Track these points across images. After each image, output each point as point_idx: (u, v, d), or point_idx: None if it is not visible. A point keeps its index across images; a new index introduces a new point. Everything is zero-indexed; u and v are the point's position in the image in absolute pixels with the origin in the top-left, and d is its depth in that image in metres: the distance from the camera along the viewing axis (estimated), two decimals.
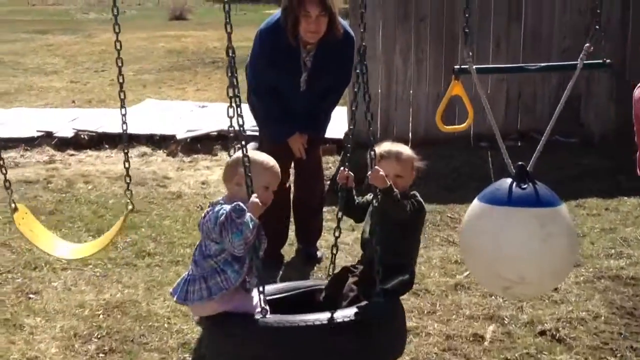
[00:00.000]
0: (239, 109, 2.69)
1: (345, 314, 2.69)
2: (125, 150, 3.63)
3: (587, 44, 3.05)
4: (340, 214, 3.15)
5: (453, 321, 3.79)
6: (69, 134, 7.59)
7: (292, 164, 4.47)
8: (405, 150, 3.16)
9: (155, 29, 23.07)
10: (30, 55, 15.79)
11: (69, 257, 3.75)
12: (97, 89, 11.64)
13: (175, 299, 2.71)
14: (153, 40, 19.21)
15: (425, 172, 6.39)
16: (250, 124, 4.44)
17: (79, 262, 4.39)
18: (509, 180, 2.82)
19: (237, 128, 2.68)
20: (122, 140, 3.69)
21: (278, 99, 4.17)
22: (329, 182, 3.46)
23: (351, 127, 3.13)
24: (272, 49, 4.04)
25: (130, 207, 3.59)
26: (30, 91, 11.34)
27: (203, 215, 2.69)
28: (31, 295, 4.06)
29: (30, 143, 7.38)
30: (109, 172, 6.59)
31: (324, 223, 4.64)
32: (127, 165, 3.58)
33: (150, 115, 8.79)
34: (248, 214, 2.53)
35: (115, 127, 7.81)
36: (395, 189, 2.86)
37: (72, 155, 7.13)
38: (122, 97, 3.48)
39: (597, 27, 3.14)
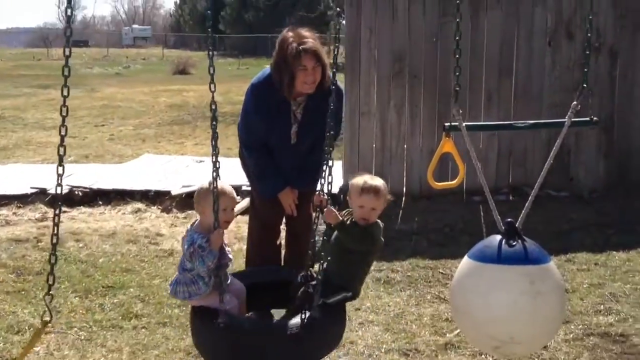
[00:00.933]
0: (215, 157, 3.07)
1: (283, 323, 3.19)
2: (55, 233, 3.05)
3: (575, 102, 3.10)
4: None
5: None
6: (63, 190, 7.59)
7: (284, 221, 4.47)
8: (383, 186, 3.33)
9: (158, 83, 23.46)
10: (31, 110, 16.00)
11: None
12: (96, 144, 11.74)
13: (169, 291, 3.36)
14: (155, 95, 19.50)
15: (418, 227, 6.50)
16: (243, 180, 4.51)
17: (64, 325, 4.35)
18: (499, 237, 2.84)
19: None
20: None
21: (269, 154, 4.19)
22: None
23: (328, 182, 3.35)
24: (264, 103, 4.08)
25: (47, 318, 2.96)
26: (29, 146, 11.43)
27: (184, 236, 3.29)
28: None
29: (23, 200, 7.35)
30: (101, 229, 6.56)
31: None
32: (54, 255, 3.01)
33: (147, 170, 8.85)
34: (208, 248, 3.12)
35: (109, 184, 7.90)
36: (346, 225, 3.22)
37: (64, 212, 7.13)
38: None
39: (584, 85, 3.17)
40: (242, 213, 6.40)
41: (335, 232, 3.25)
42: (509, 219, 2.83)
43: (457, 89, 3.02)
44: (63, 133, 2.96)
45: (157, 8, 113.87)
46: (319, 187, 3.36)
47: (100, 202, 7.47)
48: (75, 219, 6.95)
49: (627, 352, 4.03)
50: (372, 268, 3.57)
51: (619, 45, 7.50)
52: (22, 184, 7.81)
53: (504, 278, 2.73)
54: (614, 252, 5.75)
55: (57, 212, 3.07)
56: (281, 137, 4.13)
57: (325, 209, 3.27)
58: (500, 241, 2.80)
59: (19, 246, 6.01)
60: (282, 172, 4.20)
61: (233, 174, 5.29)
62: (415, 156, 7.59)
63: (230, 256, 3.30)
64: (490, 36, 7.52)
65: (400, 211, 7.01)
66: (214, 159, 3.05)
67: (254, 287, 3.53)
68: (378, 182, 3.32)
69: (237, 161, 4.57)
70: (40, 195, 7.45)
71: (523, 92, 7.57)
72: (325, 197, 3.34)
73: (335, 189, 4.52)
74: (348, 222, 3.26)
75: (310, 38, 3.92)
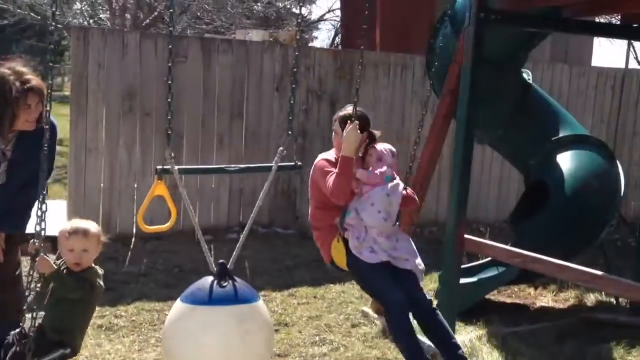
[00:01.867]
0: None
1: None
2: None
3: (281, 148, 3.31)
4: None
5: None
6: None
7: None
8: (93, 226, 3.25)
9: None
10: None
11: None
12: None
13: None
14: None
15: (146, 268, 6.39)
16: None
17: None
18: (211, 278, 2.90)
19: None
20: None
21: None
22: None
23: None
24: None
25: None
26: None
27: None
28: None
29: None
30: None
31: None
32: None
33: None
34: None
35: None
36: (61, 273, 3.07)
37: None
38: None
39: (289, 132, 3.42)
40: None
41: (50, 283, 3.09)
42: (221, 260, 2.93)
43: (169, 132, 3.09)
44: None
45: None
46: (32, 230, 3.17)
47: None
48: None
49: None
50: (93, 316, 3.42)
51: (338, 93, 8.16)
52: None
53: (214, 319, 2.80)
54: (331, 285, 6.17)
55: None
56: None
57: (37, 259, 3.03)
58: (212, 282, 2.87)
59: None
60: None
61: None
62: (146, 196, 7.47)
63: None
64: (222, 78, 7.74)
65: (129, 253, 6.85)
66: None
67: None
68: (88, 223, 3.25)
69: None
70: None
71: (253, 134, 7.89)
72: (41, 244, 3.09)
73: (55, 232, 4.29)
74: (63, 270, 3.13)
75: (30, 75, 3.72)
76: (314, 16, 28.77)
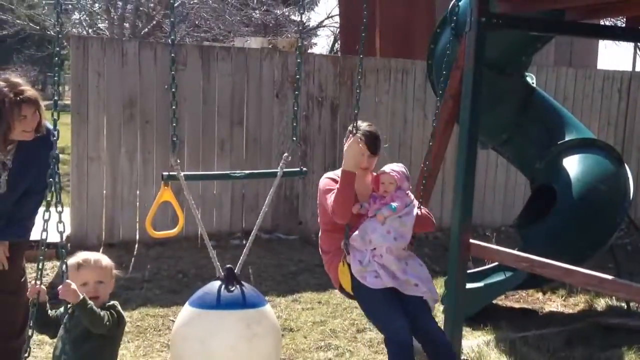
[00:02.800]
0: None
1: None
2: None
3: (286, 154, 3.27)
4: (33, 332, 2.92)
5: None
6: None
7: None
8: (104, 257, 3.12)
9: None
10: None
11: None
12: None
13: None
14: None
15: (150, 274, 6.37)
16: None
17: None
18: (218, 283, 2.88)
19: None
20: None
21: None
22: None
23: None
24: None
25: None
26: None
27: None
28: None
29: None
30: None
31: None
32: None
33: None
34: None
35: None
36: (89, 301, 2.76)
37: None
38: None
39: (294, 138, 3.38)
40: None
41: (75, 315, 2.74)
42: (228, 265, 2.91)
43: (175, 139, 3.04)
44: None
45: None
46: (36, 237, 3.11)
47: None
48: None
49: None
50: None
51: (339, 99, 8.15)
52: None
53: (222, 323, 2.78)
54: (336, 291, 6.03)
55: None
56: None
57: (61, 286, 2.65)
58: (220, 287, 2.85)
59: None
60: None
61: None
62: (148, 203, 7.44)
63: None
64: (221, 86, 7.72)
65: (133, 259, 6.85)
66: None
67: None
68: (98, 255, 3.10)
69: None
70: None
71: (254, 140, 7.87)
72: (43, 287, 2.83)
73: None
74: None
75: (25, 85, 3.72)
76: (313, 23, 28.88)
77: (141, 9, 15.90)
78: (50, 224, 2.80)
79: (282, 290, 6.09)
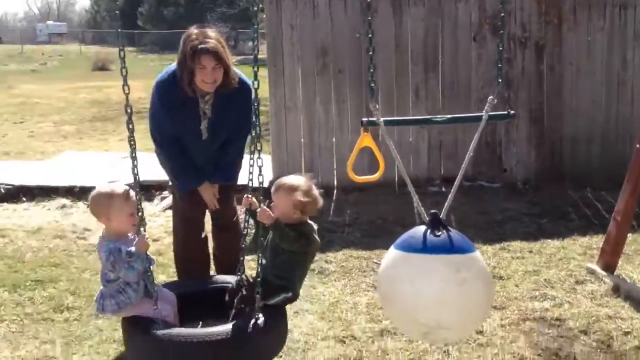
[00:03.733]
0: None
1: (222, 329, 3.04)
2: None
3: (491, 97, 3.12)
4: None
5: None
6: None
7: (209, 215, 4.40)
8: (299, 182, 3.28)
9: (77, 79, 22.71)
10: None
11: None
12: (16, 141, 11.30)
13: (96, 309, 3.25)
14: (74, 91, 18.88)
15: (350, 219, 6.52)
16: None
17: None
18: (423, 227, 2.83)
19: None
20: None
21: (182, 149, 4.11)
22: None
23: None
24: (169, 99, 4.00)
25: None
26: None
27: (98, 247, 3.21)
28: None
29: None
30: (26, 225, 6.35)
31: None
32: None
33: (70, 167, 8.57)
34: (136, 253, 3.04)
35: (33, 180, 7.61)
36: (281, 225, 3.12)
37: None
38: None
39: (499, 80, 3.22)
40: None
41: (271, 233, 3.19)
42: (433, 210, 2.83)
43: (372, 85, 3.04)
44: None
45: (72, 4, 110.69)
46: (246, 182, 3.30)
47: (24, 199, 7.24)
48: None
49: (563, 336, 4.10)
50: (310, 267, 3.47)
51: (545, 39, 7.71)
52: None
53: (430, 267, 2.72)
54: (549, 240, 5.88)
55: None
56: (190, 133, 4.07)
57: (258, 209, 3.16)
58: (425, 231, 2.80)
59: None
60: (199, 166, 4.15)
61: (156, 169, 5.16)
62: (344, 150, 7.58)
63: (152, 258, 3.25)
64: (414, 31, 7.60)
65: (332, 204, 7.02)
66: (133, 164, 3.12)
67: (183, 299, 3.41)
68: (294, 180, 3.30)
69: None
70: None
71: (450, 86, 7.70)
72: (254, 199, 3.28)
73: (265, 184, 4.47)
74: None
75: (213, 38, 3.85)
76: None
77: None
78: (255, 168, 3.19)
79: (488, 238, 5.90)
